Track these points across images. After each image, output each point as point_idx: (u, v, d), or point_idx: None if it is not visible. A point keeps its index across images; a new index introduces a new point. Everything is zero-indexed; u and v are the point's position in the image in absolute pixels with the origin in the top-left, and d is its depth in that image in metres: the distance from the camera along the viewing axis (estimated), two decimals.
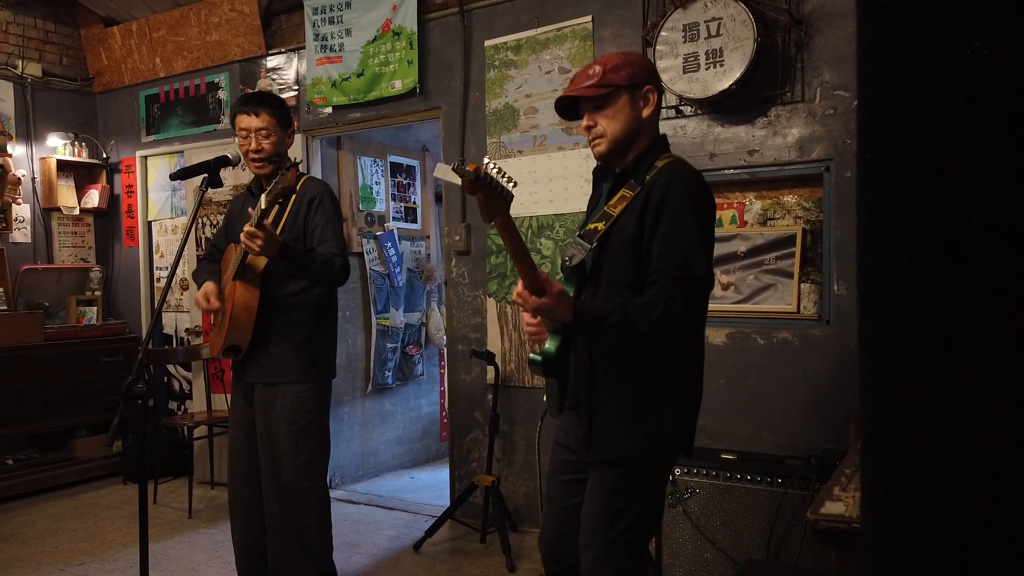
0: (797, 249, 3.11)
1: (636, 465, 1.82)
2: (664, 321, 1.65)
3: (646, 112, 1.86)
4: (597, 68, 1.86)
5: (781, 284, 3.14)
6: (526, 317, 1.87)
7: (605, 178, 2.01)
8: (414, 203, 5.22)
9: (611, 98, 1.84)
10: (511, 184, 1.50)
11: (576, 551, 1.92)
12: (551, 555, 2.02)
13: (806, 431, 3.05)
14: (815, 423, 3.04)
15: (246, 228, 2.31)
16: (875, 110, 0.58)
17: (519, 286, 1.63)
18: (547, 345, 1.80)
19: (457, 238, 3.98)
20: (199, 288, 2.61)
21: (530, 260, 1.61)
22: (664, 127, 3.37)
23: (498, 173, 1.49)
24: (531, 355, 1.82)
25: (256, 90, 4.60)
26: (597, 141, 1.88)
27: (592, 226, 1.85)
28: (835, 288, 3.01)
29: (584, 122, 1.90)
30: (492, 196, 1.49)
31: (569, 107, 1.94)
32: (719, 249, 3.27)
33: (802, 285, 3.11)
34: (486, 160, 1.50)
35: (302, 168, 3.99)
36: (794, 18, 3.03)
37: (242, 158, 2.63)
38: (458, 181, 1.46)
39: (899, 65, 0.56)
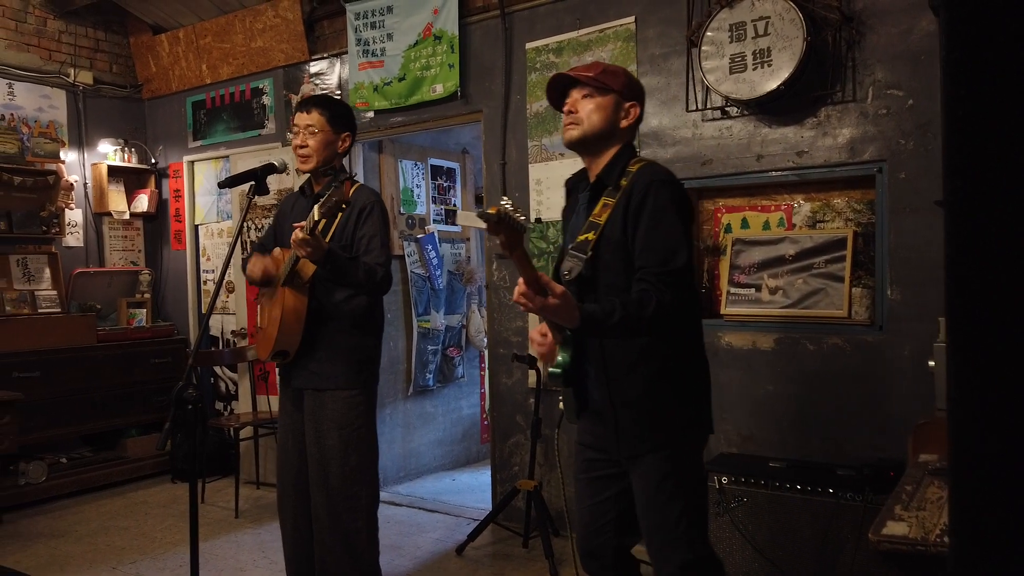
0: (848, 252, 3.03)
1: (669, 449, 1.93)
2: (657, 315, 1.77)
3: (624, 123, 2.01)
4: (600, 66, 2.02)
5: (831, 288, 3.06)
6: (535, 336, 1.97)
7: (578, 188, 2.11)
8: (454, 205, 5.23)
9: (602, 93, 1.97)
10: (523, 219, 1.57)
11: (610, 545, 2.04)
12: (587, 551, 2.10)
13: (856, 440, 2.97)
14: (866, 432, 2.96)
15: (298, 235, 2.33)
16: (966, 136, 0.54)
17: (520, 285, 1.67)
18: (561, 357, 1.91)
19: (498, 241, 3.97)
20: (250, 269, 2.70)
21: (532, 264, 1.68)
22: (709, 128, 3.33)
23: (514, 210, 1.55)
24: (550, 369, 1.92)
25: (301, 96, 4.66)
26: (572, 126, 1.99)
27: (583, 237, 1.94)
28: (888, 293, 2.93)
29: (567, 106, 2.00)
30: (512, 234, 1.57)
31: (560, 97, 2.04)
32: (766, 252, 3.21)
33: (853, 289, 3.03)
34: (503, 200, 1.56)
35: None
36: (845, 15, 2.95)
37: (287, 164, 2.65)
38: (483, 226, 1.53)
39: (993, 90, 0.53)
